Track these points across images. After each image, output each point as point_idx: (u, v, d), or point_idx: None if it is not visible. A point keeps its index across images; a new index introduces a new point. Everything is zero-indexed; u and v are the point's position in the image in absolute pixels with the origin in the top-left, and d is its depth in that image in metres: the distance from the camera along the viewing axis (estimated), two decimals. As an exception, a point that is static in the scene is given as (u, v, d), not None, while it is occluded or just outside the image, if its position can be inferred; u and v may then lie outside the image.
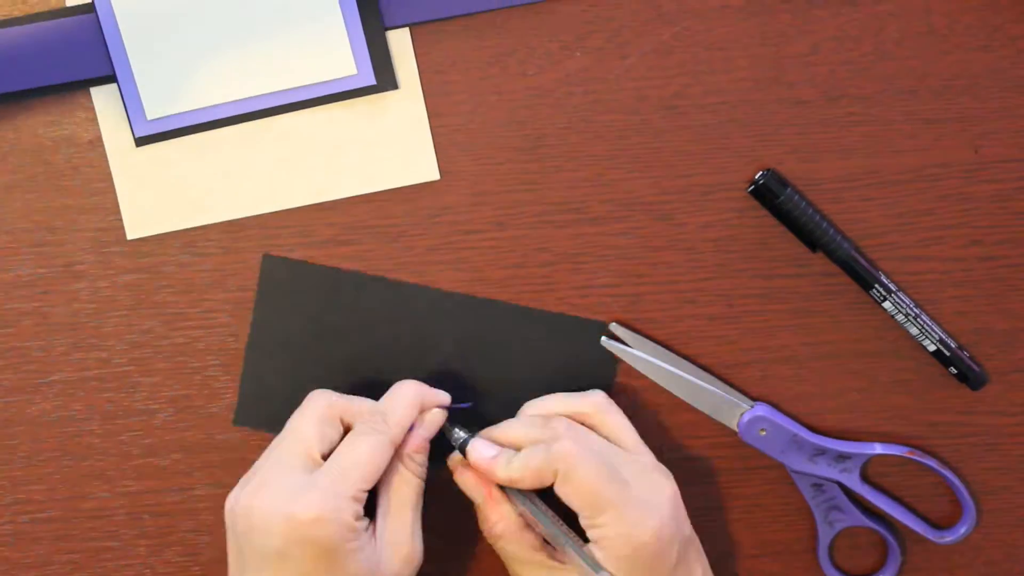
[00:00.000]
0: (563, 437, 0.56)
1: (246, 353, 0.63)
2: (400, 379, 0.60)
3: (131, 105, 0.61)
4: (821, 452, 0.61)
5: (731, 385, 0.62)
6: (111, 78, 0.61)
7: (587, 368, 0.62)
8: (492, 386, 0.63)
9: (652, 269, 0.62)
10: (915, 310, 0.61)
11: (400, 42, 0.61)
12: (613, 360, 0.62)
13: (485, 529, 0.59)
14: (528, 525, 0.59)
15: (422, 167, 0.61)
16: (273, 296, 0.62)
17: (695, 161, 0.61)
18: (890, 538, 0.63)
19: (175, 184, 0.62)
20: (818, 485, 0.62)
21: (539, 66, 0.61)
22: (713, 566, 0.59)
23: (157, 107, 0.61)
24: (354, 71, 0.60)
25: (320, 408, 0.57)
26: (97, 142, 0.62)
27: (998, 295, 0.62)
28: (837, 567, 0.64)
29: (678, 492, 0.57)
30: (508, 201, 0.62)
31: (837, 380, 0.63)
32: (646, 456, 0.58)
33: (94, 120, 0.62)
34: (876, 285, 0.61)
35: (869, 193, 0.62)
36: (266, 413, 0.63)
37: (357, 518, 0.55)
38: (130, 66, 0.60)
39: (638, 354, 0.61)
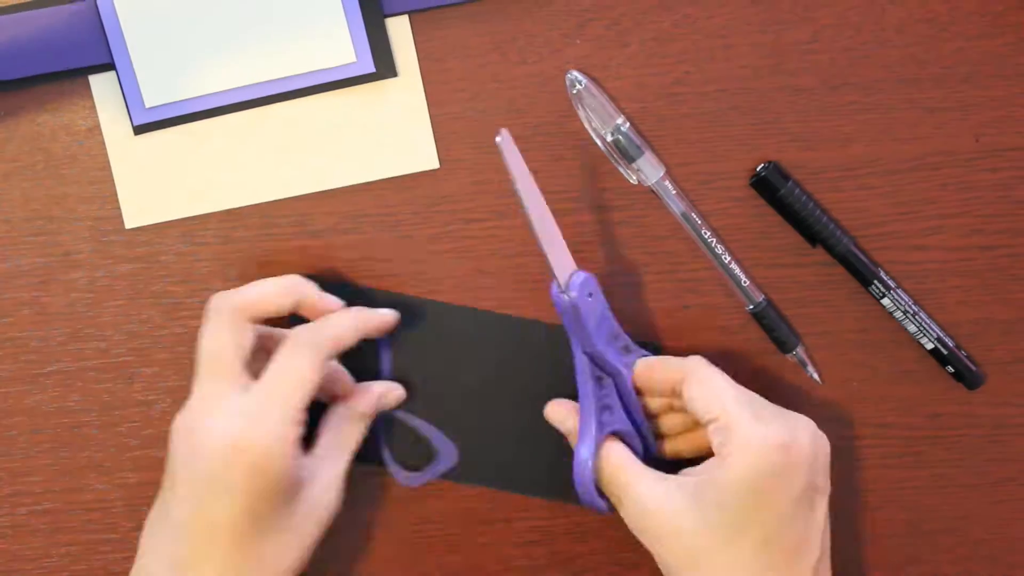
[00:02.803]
0: (697, 358, 0.57)
1: None
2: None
3: (129, 93, 0.61)
4: (615, 337, 0.58)
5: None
6: (110, 66, 0.61)
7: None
8: (523, 404, 0.63)
9: (652, 258, 0.62)
10: (913, 307, 0.61)
11: (399, 30, 0.61)
12: None
13: (607, 470, 0.56)
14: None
15: (421, 155, 0.61)
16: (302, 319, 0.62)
17: (695, 149, 0.61)
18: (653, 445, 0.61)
19: (174, 173, 0.62)
20: (600, 378, 0.58)
21: (539, 54, 0.61)
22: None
23: (156, 95, 0.61)
24: (353, 59, 0.60)
25: (226, 317, 0.55)
26: (95, 130, 0.62)
27: (999, 284, 0.62)
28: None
29: (826, 442, 0.55)
30: (508, 190, 0.61)
31: (838, 370, 0.63)
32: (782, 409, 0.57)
33: (92, 108, 0.61)
34: (875, 281, 0.61)
35: (870, 182, 0.61)
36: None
37: (296, 444, 0.54)
38: (128, 54, 0.60)
39: None
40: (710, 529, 0.53)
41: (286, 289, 0.57)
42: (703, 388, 0.55)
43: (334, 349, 0.56)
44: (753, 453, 0.53)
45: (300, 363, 0.55)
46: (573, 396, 0.59)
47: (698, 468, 0.56)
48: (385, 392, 0.61)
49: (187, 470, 0.54)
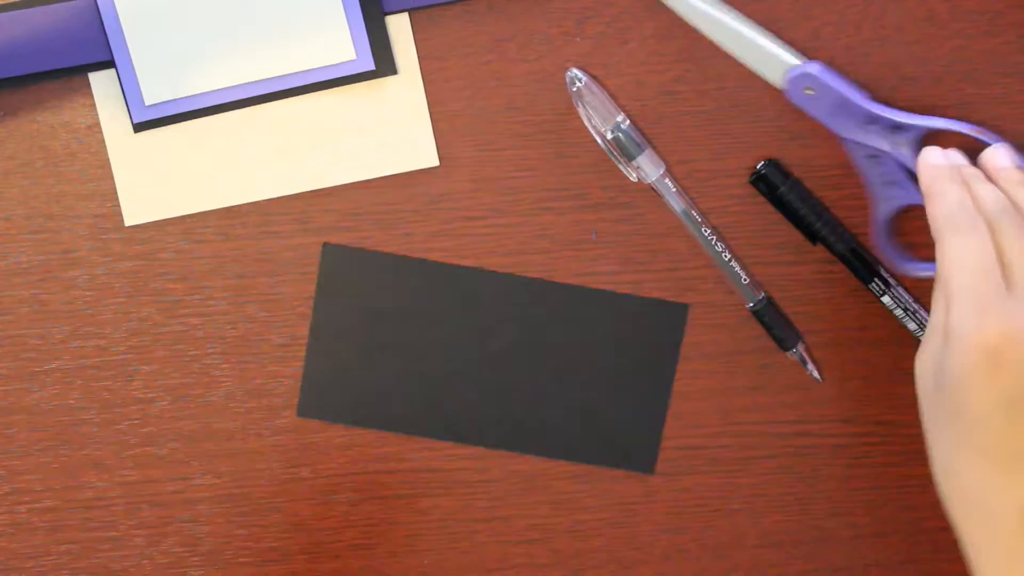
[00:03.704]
0: None
1: (309, 344, 0.63)
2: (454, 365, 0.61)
3: (129, 91, 0.61)
4: (873, 121, 0.58)
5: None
6: (109, 64, 0.61)
7: (649, 347, 0.63)
8: (556, 371, 0.63)
9: (653, 256, 0.62)
10: (913, 305, 0.61)
11: (399, 27, 0.61)
12: (676, 344, 0.62)
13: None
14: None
15: (421, 153, 0.61)
16: (334, 286, 0.62)
17: (695, 147, 0.61)
18: None
19: (173, 170, 0.62)
20: (874, 156, 0.58)
21: (539, 52, 0.61)
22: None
23: (155, 93, 0.61)
24: (353, 56, 0.60)
25: None
26: (95, 128, 0.62)
27: (1000, 282, 0.62)
28: (893, 244, 0.60)
29: None
30: (508, 187, 0.62)
31: (838, 368, 0.63)
32: None
33: (92, 106, 0.61)
34: (875, 279, 0.60)
35: (870, 180, 0.62)
36: (331, 404, 0.63)
37: None
38: (128, 52, 0.60)
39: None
40: None
41: None
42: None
43: None
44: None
45: None
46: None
47: None
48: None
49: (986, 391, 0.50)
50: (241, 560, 0.64)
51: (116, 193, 0.62)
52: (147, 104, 0.61)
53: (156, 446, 0.63)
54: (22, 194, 0.62)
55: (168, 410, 0.63)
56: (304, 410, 0.63)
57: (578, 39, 0.61)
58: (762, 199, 0.61)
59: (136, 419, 0.63)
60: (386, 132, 0.61)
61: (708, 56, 0.61)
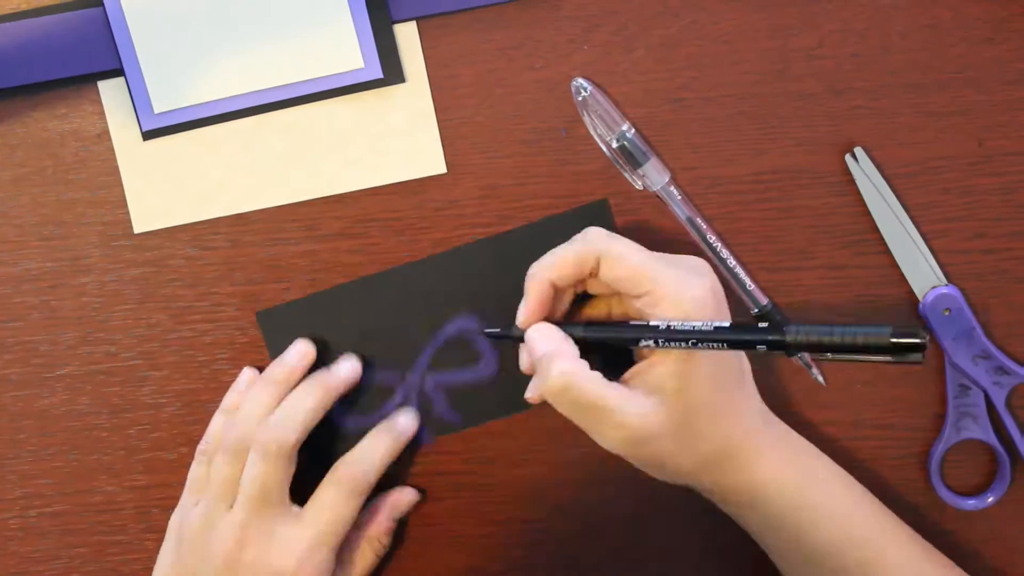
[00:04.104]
0: (594, 230, 0.56)
1: None
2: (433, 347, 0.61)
3: (138, 99, 0.61)
4: (986, 357, 0.62)
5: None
6: (119, 72, 0.61)
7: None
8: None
9: (658, 262, 0.62)
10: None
11: (407, 36, 0.61)
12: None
13: (558, 382, 0.54)
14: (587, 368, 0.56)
15: (429, 160, 0.62)
16: (282, 343, 0.62)
17: (701, 154, 0.62)
18: (1007, 465, 0.63)
19: (182, 178, 0.62)
20: (965, 388, 0.62)
21: (546, 59, 0.61)
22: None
23: (164, 101, 0.61)
24: (361, 64, 0.61)
25: (282, 453, 0.58)
26: (104, 136, 0.62)
27: (1002, 287, 0.62)
28: (943, 475, 0.63)
29: (710, 268, 0.56)
30: (514, 194, 0.62)
31: (842, 373, 0.63)
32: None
33: (101, 114, 0.62)
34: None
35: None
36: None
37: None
38: (137, 60, 0.61)
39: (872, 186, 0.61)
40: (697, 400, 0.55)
41: (324, 409, 0.60)
42: (625, 266, 0.54)
43: (371, 487, 0.60)
44: (684, 311, 0.54)
45: (344, 512, 0.59)
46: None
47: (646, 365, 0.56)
48: (399, 505, 0.63)
49: None
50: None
51: (125, 200, 0.62)
52: (156, 112, 0.61)
53: (166, 451, 0.64)
54: (32, 201, 0.62)
55: (177, 415, 0.64)
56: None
57: (585, 47, 0.61)
58: (767, 203, 0.62)
59: (146, 424, 0.64)
60: (394, 140, 0.61)
61: (713, 64, 0.61)
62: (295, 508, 0.59)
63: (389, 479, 0.63)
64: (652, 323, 0.54)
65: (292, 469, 0.59)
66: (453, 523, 0.64)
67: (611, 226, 0.62)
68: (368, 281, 0.62)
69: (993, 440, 0.62)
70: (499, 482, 0.64)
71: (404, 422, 0.62)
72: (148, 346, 0.63)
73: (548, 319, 0.57)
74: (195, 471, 0.62)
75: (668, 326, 0.53)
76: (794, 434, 0.59)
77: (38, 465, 0.64)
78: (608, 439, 0.55)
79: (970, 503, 0.63)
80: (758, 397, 0.58)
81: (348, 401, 0.62)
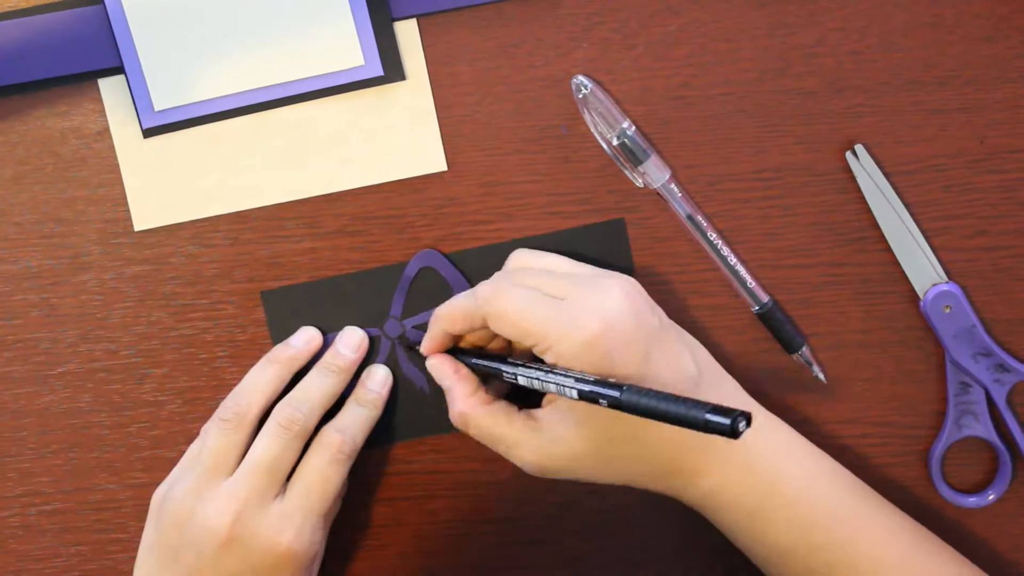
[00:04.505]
0: (484, 283, 0.57)
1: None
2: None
3: (139, 96, 0.61)
4: (987, 354, 0.62)
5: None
6: (119, 69, 0.61)
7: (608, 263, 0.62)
8: None
9: (658, 260, 0.62)
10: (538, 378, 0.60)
11: (407, 33, 0.61)
12: (628, 257, 0.62)
13: (454, 414, 0.58)
14: (493, 400, 0.58)
15: (429, 158, 0.62)
16: (284, 326, 0.63)
17: (701, 152, 0.62)
18: (1008, 463, 0.63)
19: (182, 175, 0.62)
20: (966, 385, 0.62)
21: (546, 57, 0.61)
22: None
23: (164, 98, 0.61)
24: (361, 62, 0.61)
25: (290, 435, 0.59)
26: (105, 133, 0.62)
27: (1003, 285, 0.62)
28: (944, 473, 0.63)
29: (632, 288, 0.55)
30: (515, 192, 0.62)
31: (843, 370, 0.63)
32: (585, 270, 0.58)
33: (102, 111, 0.62)
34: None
35: (875, 184, 0.62)
36: None
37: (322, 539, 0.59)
38: (138, 57, 0.61)
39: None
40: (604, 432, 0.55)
41: (278, 380, 0.61)
42: (507, 324, 0.55)
43: (355, 453, 0.60)
44: (579, 354, 0.53)
45: (334, 476, 0.59)
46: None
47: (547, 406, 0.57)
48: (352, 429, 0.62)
49: (216, 562, 0.57)
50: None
51: (126, 198, 0.62)
52: (156, 110, 0.61)
53: (166, 449, 0.64)
54: (32, 199, 0.62)
55: (178, 413, 0.64)
56: None
57: (585, 45, 0.61)
58: (767, 200, 0.62)
59: (146, 422, 0.64)
60: (394, 137, 0.61)
61: (714, 61, 0.61)
62: (285, 483, 0.59)
63: (384, 470, 0.64)
64: (527, 368, 0.55)
65: (300, 451, 0.59)
66: (453, 521, 0.64)
67: (625, 246, 0.62)
68: (376, 273, 0.62)
69: (994, 438, 0.62)
70: (499, 480, 0.64)
71: (378, 380, 0.62)
72: (148, 344, 0.63)
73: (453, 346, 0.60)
74: (194, 447, 0.61)
75: (530, 380, 0.55)
76: (764, 420, 0.58)
77: (38, 463, 0.64)
78: (523, 466, 0.57)
79: (971, 501, 0.63)
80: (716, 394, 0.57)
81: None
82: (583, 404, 0.54)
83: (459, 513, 0.64)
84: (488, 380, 0.60)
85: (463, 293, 0.58)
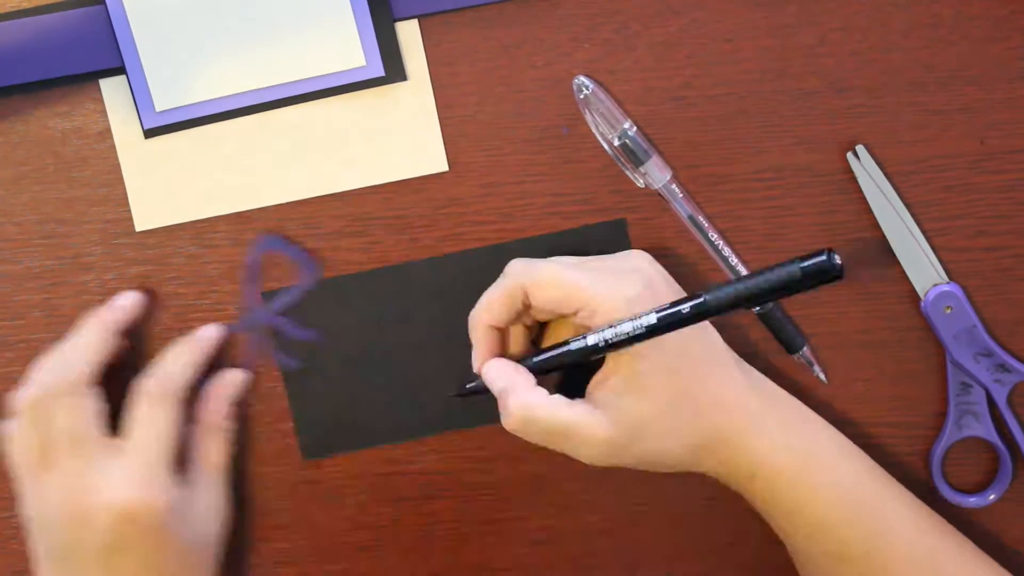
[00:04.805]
0: (515, 262, 0.57)
1: (287, 387, 0.63)
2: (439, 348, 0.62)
3: (140, 97, 0.61)
4: (987, 354, 0.62)
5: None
6: (120, 70, 0.61)
7: None
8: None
9: (660, 260, 0.62)
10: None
11: (409, 33, 0.61)
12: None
13: (521, 412, 0.55)
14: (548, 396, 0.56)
15: (431, 158, 0.62)
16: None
17: (702, 152, 0.62)
18: (1008, 463, 0.63)
19: (183, 176, 0.62)
20: (967, 386, 0.62)
21: (547, 58, 0.61)
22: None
23: (166, 99, 0.61)
24: (363, 63, 0.61)
25: (80, 374, 0.58)
26: (106, 134, 0.62)
27: (1004, 285, 0.62)
28: (945, 473, 0.63)
29: (653, 260, 0.58)
30: (516, 192, 0.62)
31: (844, 370, 0.63)
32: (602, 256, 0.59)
33: (103, 112, 0.62)
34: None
35: (875, 184, 0.62)
36: (335, 438, 0.64)
37: (176, 488, 0.57)
38: (139, 58, 0.61)
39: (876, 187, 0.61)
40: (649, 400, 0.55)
41: (106, 343, 0.60)
42: (551, 288, 0.55)
43: (184, 392, 0.60)
44: (624, 311, 0.54)
45: (162, 420, 0.58)
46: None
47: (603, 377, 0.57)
48: (228, 388, 0.62)
49: (82, 543, 0.56)
50: (253, 562, 0.64)
51: (127, 198, 0.62)
52: (158, 110, 0.61)
53: (167, 449, 0.64)
54: (33, 199, 0.62)
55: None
56: (309, 452, 0.64)
57: (586, 45, 0.61)
58: (768, 200, 0.62)
59: (147, 422, 0.64)
60: (395, 137, 0.61)
61: (715, 62, 0.61)
62: (115, 441, 0.58)
63: (386, 471, 0.64)
64: (588, 337, 0.55)
65: (96, 404, 0.58)
66: (454, 521, 0.64)
67: (626, 247, 0.62)
68: (379, 274, 0.62)
69: (995, 438, 0.63)
70: (501, 480, 0.64)
71: (205, 330, 0.62)
72: (150, 345, 0.63)
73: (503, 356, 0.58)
74: None
75: (602, 337, 0.54)
76: (794, 404, 0.59)
77: (39, 463, 0.64)
78: (584, 457, 0.56)
79: (971, 501, 0.63)
80: (745, 374, 0.58)
81: None
82: (630, 376, 0.54)
83: (460, 514, 0.64)
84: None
85: (492, 286, 0.58)
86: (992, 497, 0.63)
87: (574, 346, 0.56)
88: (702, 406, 0.56)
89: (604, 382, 0.56)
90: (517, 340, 0.59)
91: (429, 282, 0.62)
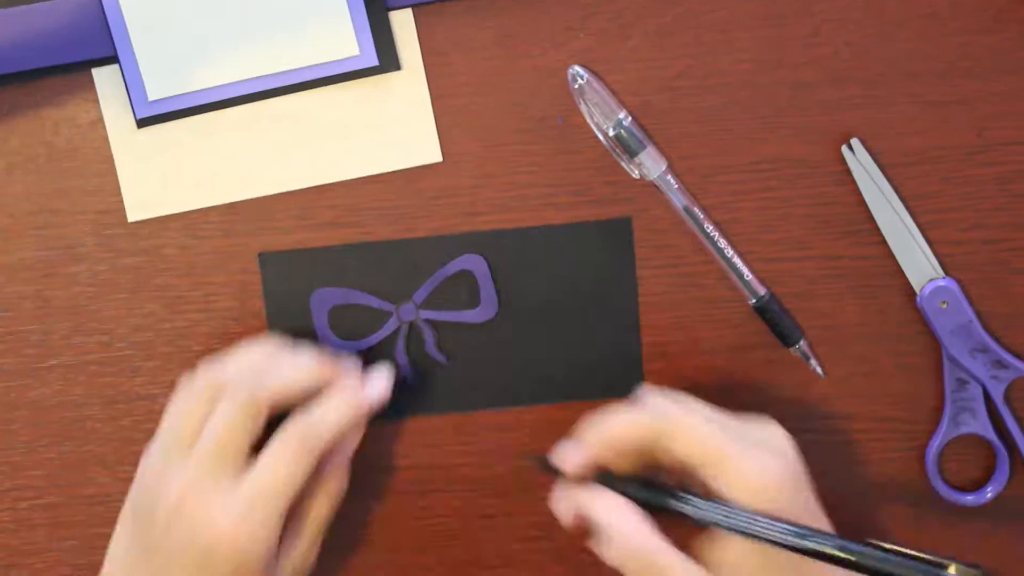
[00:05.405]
0: (653, 396, 0.54)
1: None
2: None
3: (133, 86, 0.61)
4: (984, 350, 0.61)
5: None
6: (113, 59, 0.61)
7: (610, 268, 0.62)
8: (521, 306, 0.63)
9: (655, 252, 0.62)
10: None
11: (403, 23, 0.61)
12: (631, 258, 0.62)
13: (634, 555, 0.52)
14: (648, 526, 0.52)
15: (424, 149, 0.61)
16: (282, 293, 0.62)
17: (697, 143, 0.61)
18: (1005, 460, 0.62)
19: (176, 166, 0.62)
20: (963, 382, 0.62)
21: (542, 47, 0.61)
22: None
23: (159, 88, 0.61)
24: (356, 52, 0.60)
25: (247, 407, 0.55)
26: (98, 123, 0.62)
27: (1001, 278, 0.62)
28: (941, 470, 0.63)
29: (790, 437, 0.54)
30: (511, 183, 0.62)
31: (841, 364, 0.63)
32: (747, 416, 0.55)
33: (95, 101, 0.61)
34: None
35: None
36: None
37: (277, 537, 0.55)
38: (132, 47, 0.60)
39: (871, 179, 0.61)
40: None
41: (310, 378, 0.57)
42: (689, 444, 0.52)
43: (328, 448, 0.56)
44: (759, 489, 0.51)
45: (297, 473, 0.55)
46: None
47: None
48: (354, 442, 0.60)
49: (181, 551, 0.54)
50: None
51: (119, 189, 0.62)
52: (150, 100, 0.61)
53: (159, 442, 0.63)
54: (25, 190, 0.62)
55: (171, 406, 0.63)
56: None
57: (581, 35, 0.61)
58: (763, 192, 0.61)
59: (139, 415, 0.63)
60: (389, 128, 0.61)
61: (710, 52, 0.61)
62: (248, 469, 0.55)
63: (380, 464, 0.63)
64: (713, 506, 0.51)
65: (258, 428, 0.55)
66: (450, 516, 0.64)
67: (630, 245, 0.62)
68: (379, 246, 0.62)
69: (991, 435, 0.62)
70: (495, 475, 0.64)
71: (373, 386, 0.59)
72: (141, 336, 0.63)
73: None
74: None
75: (729, 516, 0.50)
76: None
77: (30, 456, 0.63)
78: None
79: (968, 498, 0.63)
80: None
81: (337, 325, 0.62)
82: (738, 561, 0.51)
83: (454, 508, 0.64)
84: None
85: (625, 406, 0.54)
86: (989, 494, 0.63)
87: (690, 512, 0.51)
88: None
89: (711, 545, 0.52)
90: None
91: (435, 258, 0.62)
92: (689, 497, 0.52)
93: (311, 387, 0.57)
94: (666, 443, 0.52)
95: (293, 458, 0.55)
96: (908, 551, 0.48)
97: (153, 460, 0.56)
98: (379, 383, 0.59)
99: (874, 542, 0.49)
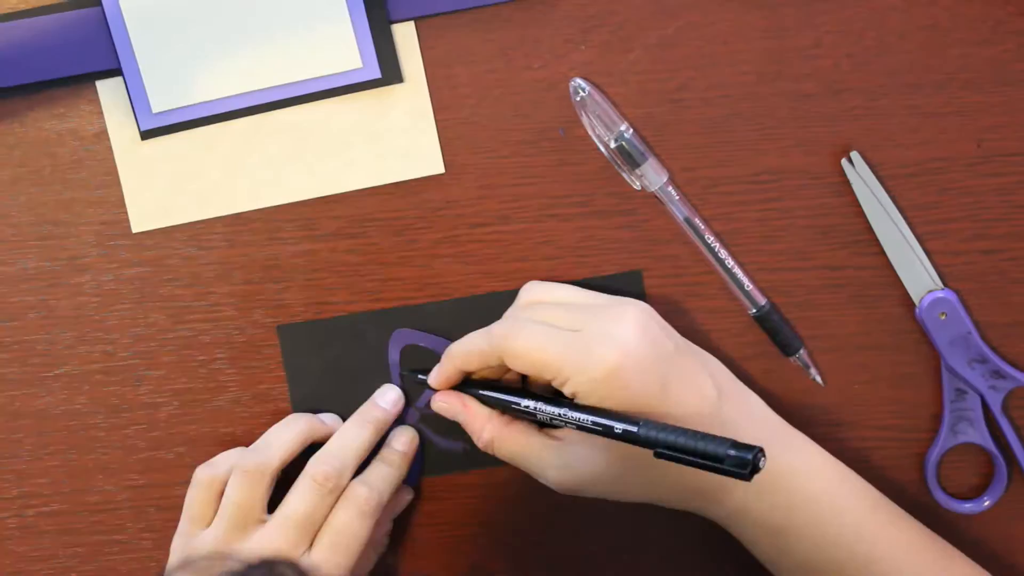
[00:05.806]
0: (499, 323, 0.58)
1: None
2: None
3: (136, 98, 0.61)
4: (982, 361, 0.61)
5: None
6: (117, 71, 0.61)
7: None
8: None
9: (656, 263, 0.62)
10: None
11: (405, 35, 0.61)
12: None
13: (480, 443, 0.60)
14: (513, 419, 0.59)
15: (427, 160, 0.62)
16: (300, 361, 0.63)
17: (698, 155, 0.62)
18: (1003, 469, 0.63)
19: (180, 177, 0.62)
20: (962, 392, 0.62)
21: (544, 60, 0.61)
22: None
23: (162, 100, 0.61)
24: (359, 64, 0.61)
25: (256, 477, 0.59)
26: (102, 135, 0.62)
27: (1000, 288, 0.62)
28: (939, 479, 0.63)
29: (646, 315, 0.56)
30: (513, 194, 0.62)
31: (840, 373, 0.63)
32: (600, 299, 0.59)
33: (99, 113, 0.62)
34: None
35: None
36: None
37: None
38: (136, 59, 0.61)
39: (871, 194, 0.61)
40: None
41: (302, 438, 0.61)
42: (524, 361, 0.56)
43: (351, 476, 0.60)
44: (600, 389, 0.54)
45: (360, 530, 0.58)
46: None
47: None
48: (401, 504, 0.64)
49: None
50: (247, 563, 0.64)
51: (123, 200, 0.62)
52: (154, 111, 0.61)
53: (163, 450, 0.64)
54: (30, 201, 0.62)
55: (175, 415, 0.64)
56: None
57: (582, 47, 0.61)
58: (764, 204, 0.62)
59: (143, 424, 0.64)
60: (392, 140, 0.61)
61: (711, 64, 0.61)
62: (270, 518, 0.59)
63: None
64: (539, 401, 0.56)
65: (271, 485, 0.59)
66: (452, 522, 0.64)
67: (642, 296, 0.62)
68: (394, 313, 0.63)
69: (990, 444, 0.62)
70: (495, 482, 0.64)
71: (404, 440, 0.63)
72: (146, 346, 0.63)
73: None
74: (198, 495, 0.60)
75: (552, 410, 0.55)
76: (784, 444, 0.58)
77: (35, 464, 0.64)
78: (547, 484, 0.58)
79: (966, 507, 0.63)
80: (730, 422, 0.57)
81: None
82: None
83: (455, 515, 0.64)
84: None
85: (478, 332, 0.58)
86: (987, 503, 0.63)
87: (518, 407, 0.57)
88: (672, 465, 0.54)
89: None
90: None
91: (447, 321, 0.63)
92: (530, 397, 0.57)
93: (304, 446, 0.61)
94: (508, 362, 0.56)
95: (358, 522, 0.59)
96: (693, 430, 0.51)
97: (209, 548, 0.58)
98: (407, 436, 0.63)
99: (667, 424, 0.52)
